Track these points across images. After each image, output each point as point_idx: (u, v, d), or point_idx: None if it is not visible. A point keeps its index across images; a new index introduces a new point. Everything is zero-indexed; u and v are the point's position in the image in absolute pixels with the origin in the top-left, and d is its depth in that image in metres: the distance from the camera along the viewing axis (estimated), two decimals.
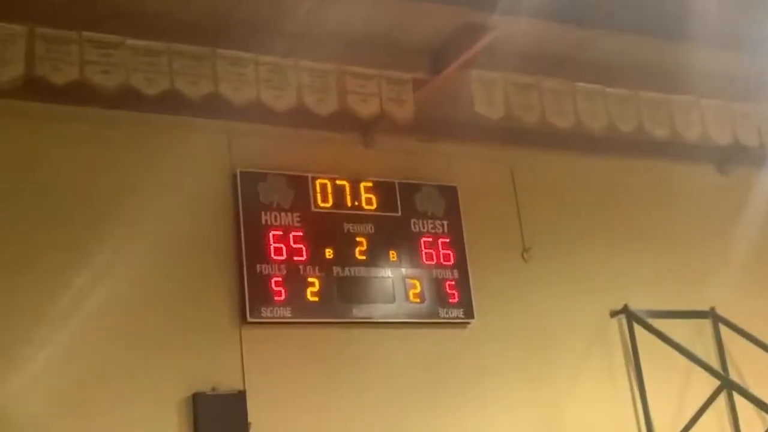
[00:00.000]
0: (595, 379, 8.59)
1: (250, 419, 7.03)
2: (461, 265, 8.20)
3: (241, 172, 7.62)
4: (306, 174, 7.87)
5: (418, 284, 7.99)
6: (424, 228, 8.17)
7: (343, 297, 7.67)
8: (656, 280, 9.04)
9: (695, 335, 9.01)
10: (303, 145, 7.91)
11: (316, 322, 7.56)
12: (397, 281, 7.92)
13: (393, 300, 7.87)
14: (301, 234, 7.66)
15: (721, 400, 8.75)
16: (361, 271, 7.81)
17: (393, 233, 8.04)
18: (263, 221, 7.57)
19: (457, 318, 8.07)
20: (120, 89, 6.66)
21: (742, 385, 8.50)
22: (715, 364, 8.90)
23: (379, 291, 7.83)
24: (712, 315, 9.20)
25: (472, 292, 8.15)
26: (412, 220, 8.16)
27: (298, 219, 7.70)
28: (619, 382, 8.72)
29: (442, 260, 8.14)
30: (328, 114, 7.29)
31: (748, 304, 9.20)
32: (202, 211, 7.44)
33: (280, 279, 7.47)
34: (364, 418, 7.54)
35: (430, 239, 8.17)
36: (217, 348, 7.22)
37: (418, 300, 7.96)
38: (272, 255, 7.51)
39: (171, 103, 7.02)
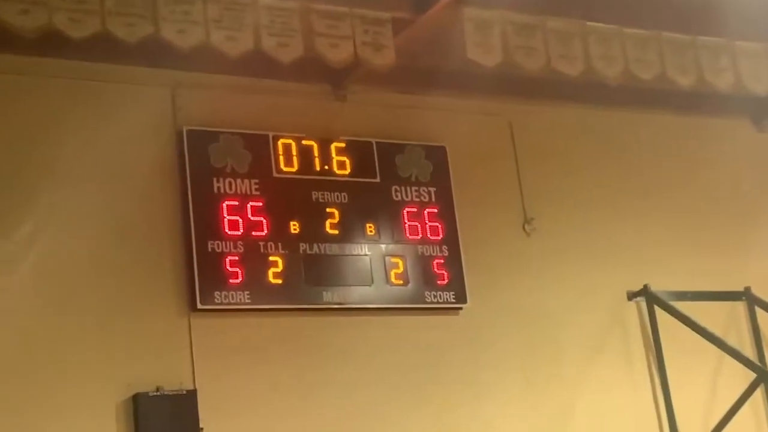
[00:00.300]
0: (609, 371, 8.57)
1: (201, 424, 6.98)
2: (452, 240, 8.16)
3: (188, 130, 7.52)
4: (266, 132, 7.79)
5: (400, 263, 7.94)
6: (407, 196, 8.14)
7: (312, 279, 7.61)
8: (681, 256, 9.01)
9: (727, 320, 9.07)
10: (262, 98, 7.84)
11: (279, 309, 7.50)
12: (375, 260, 7.87)
13: (371, 282, 7.82)
14: (260, 204, 7.60)
15: (758, 395, 8.73)
16: (333, 248, 7.76)
17: (370, 203, 7.99)
18: (215, 189, 7.50)
19: (447, 302, 8.04)
20: (41, 32, 6.52)
21: None
22: (750, 353, 8.92)
23: (354, 272, 7.78)
24: (746, 296, 9.21)
25: (465, 271, 8.11)
26: (393, 187, 8.12)
27: (257, 186, 7.63)
28: (637, 374, 8.71)
29: (428, 234, 8.10)
30: (292, 61, 7.18)
31: None
32: (141, 178, 7.34)
33: (236, 258, 7.40)
34: (336, 421, 7.50)
35: (415, 209, 8.13)
36: (161, 341, 7.15)
37: (401, 282, 7.92)
38: (226, 229, 7.44)
39: (103, 48, 6.92)
